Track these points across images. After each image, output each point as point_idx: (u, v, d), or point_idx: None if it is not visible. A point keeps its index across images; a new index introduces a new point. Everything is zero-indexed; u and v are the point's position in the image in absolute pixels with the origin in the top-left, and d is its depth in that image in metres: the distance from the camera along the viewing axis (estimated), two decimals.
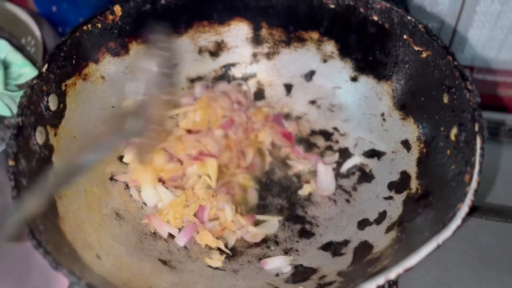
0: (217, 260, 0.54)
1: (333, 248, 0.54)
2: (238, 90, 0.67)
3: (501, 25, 0.66)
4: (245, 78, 0.69)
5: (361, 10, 0.59)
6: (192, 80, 0.67)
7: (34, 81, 0.49)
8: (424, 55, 0.55)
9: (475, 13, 0.66)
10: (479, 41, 0.69)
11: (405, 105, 0.58)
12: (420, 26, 0.54)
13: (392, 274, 0.38)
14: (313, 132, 0.66)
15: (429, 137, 0.54)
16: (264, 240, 0.56)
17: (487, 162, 0.45)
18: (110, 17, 0.58)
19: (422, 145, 0.55)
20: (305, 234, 0.57)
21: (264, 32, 0.66)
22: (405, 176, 0.56)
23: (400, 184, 0.56)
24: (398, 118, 0.59)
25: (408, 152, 0.57)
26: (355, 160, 0.62)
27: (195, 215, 0.56)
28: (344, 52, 0.63)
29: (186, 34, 0.65)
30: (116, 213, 0.55)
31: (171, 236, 0.56)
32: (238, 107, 0.64)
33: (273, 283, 0.51)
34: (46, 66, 0.51)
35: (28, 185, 0.44)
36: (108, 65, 0.60)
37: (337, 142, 0.64)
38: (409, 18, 0.55)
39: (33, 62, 0.51)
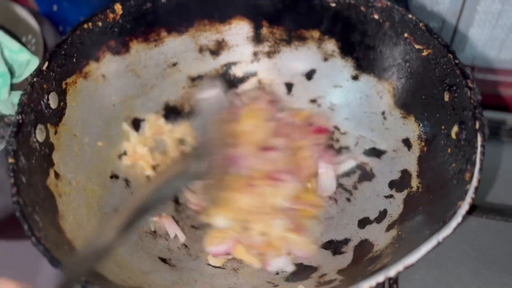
0: (218, 259, 0.54)
1: (334, 247, 0.54)
2: (266, 92, 0.67)
3: (502, 24, 0.66)
4: (246, 77, 0.68)
5: (362, 8, 0.59)
6: (193, 79, 0.67)
7: (35, 79, 0.49)
8: (425, 53, 0.55)
9: (476, 12, 0.66)
10: (480, 40, 0.69)
11: (406, 104, 0.58)
12: (421, 24, 0.54)
13: (391, 272, 0.38)
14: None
15: (430, 136, 0.54)
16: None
17: (488, 161, 0.45)
18: (111, 15, 0.58)
19: (423, 144, 0.55)
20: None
21: (265, 30, 0.66)
22: (405, 174, 0.55)
23: (400, 183, 0.55)
24: (399, 117, 0.59)
25: (409, 150, 0.57)
26: (351, 163, 0.61)
27: None
28: (345, 50, 0.63)
29: (187, 33, 0.65)
30: (116, 211, 0.55)
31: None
32: (272, 107, 0.64)
33: (273, 281, 0.51)
34: (46, 64, 0.51)
35: (27, 182, 0.44)
36: (108, 64, 0.60)
37: (337, 140, 0.64)
38: (410, 16, 0.55)
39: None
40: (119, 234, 0.38)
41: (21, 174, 0.44)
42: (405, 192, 0.54)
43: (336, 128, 0.64)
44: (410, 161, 0.56)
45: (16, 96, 0.59)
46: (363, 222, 0.55)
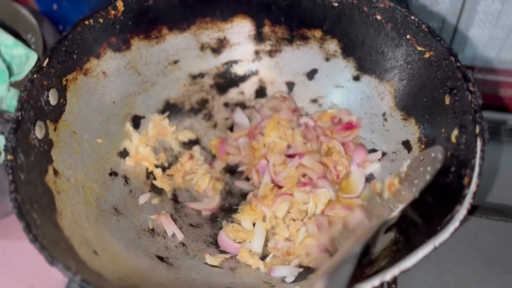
0: (216, 258, 0.54)
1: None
2: (284, 99, 0.67)
3: (501, 25, 0.66)
4: (247, 76, 0.68)
5: (365, 8, 0.59)
6: (194, 77, 0.67)
7: (35, 76, 0.49)
8: (427, 55, 0.54)
9: (476, 13, 0.65)
10: (480, 41, 0.68)
11: (407, 106, 0.58)
12: (423, 26, 0.54)
13: (387, 276, 0.37)
14: None
15: (430, 139, 0.54)
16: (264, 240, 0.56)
17: (488, 162, 0.44)
18: (112, 12, 0.58)
19: (423, 146, 0.55)
20: None
21: (267, 29, 0.66)
22: None
23: None
24: (400, 119, 0.59)
25: (408, 153, 0.56)
26: (376, 166, 0.60)
27: None
28: (347, 51, 0.63)
29: (189, 31, 0.65)
30: (115, 208, 0.55)
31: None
32: (293, 115, 0.65)
33: (270, 282, 0.51)
34: (47, 60, 0.51)
35: (26, 179, 0.44)
36: (109, 61, 0.60)
37: None
38: (412, 17, 0.55)
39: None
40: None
41: (20, 171, 0.44)
42: None
43: None
44: None
45: (15, 93, 0.59)
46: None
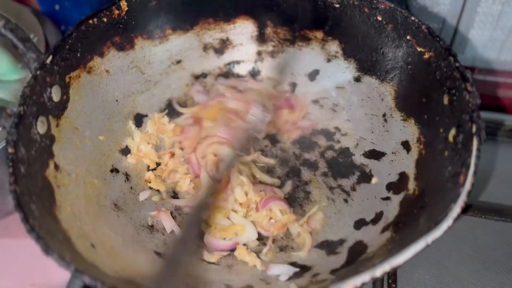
0: (213, 255, 0.54)
1: (328, 247, 0.54)
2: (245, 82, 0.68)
3: (502, 26, 0.65)
4: (249, 76, 0.69)
5: (366, 10, 0.59)
6: (197, 77, 0.68)
7: (38, 72, 0.50)
8: (426, 56, 0.54)
9: (476, 14, 0.65)
10: (480, 42, 0.68)
11: (407, 106, 0.58)
12: (423, 27, 0.54)
13: (378, 272, 0.37)
14: (315, 131, 0.65)
15: (429, 139, 0.53)
16: (261, 237, 0.57)
17: (486, 161, 0.44)
18: (116, 11, 0.59)
19: (421, 147, 0.55)
20: None
21: (269, 30, 0.66)
22: (403, 177, 0.55)
23: (398, 185, 0.55)
24: (400, 119, 0.59)
25: (408, 153, 0.56)
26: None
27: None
28: (348, 52, 0.63)
29: (192, 31, 0.66)
30: (115, 204, 0.56)
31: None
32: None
33: (266, 279, 0.51)
34: (50, 57, 0.52)
35: (26, 172, 0.45)
36: (113, 59, 0.61)
37: (338, 141, 0.64)
38: (412, 18, 0.55)
39: (38, 52, 0.52)
40: None
41: (20, 164, 0.45)
42: (402, 194, 0.54)
43: (337, 129, 0.65)
44: (408, 163, 0.56)
45: None
46: (359, 223, 0.55)
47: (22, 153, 0.46)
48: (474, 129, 0.45)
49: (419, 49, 0.55)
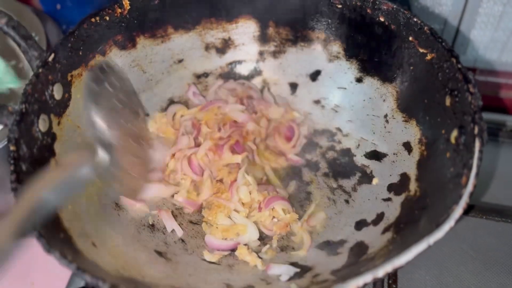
0: (214, 255, 0.54)
1: (329, 247, 0.54)
2: (246, 86, 0.68)
3: (503, 27, 0.66)
4: (251, 76, 0.69)
5: (368, 11, 0.59)
6: (198, 76, 0.68)
7: (40, 70, 0.50)
8: (428, 57, 0.54)
9: (477, 15, 0.65)
10: (482, 43, 0.68)
11: (409, 107, 0.58)
12: (425, 28, 0.54)
13: (380, 272, 0.37)
14: (316, 132, 0.65)
15: (431, 140, 0.53)
16: (262, 238, 0.57)
17: (488, 162, 0.44)
18: (119, 10, 0.59)
19: (423, 148, 0.54)
20: None
21: (271, 30, 0.66)
22: (405, 178, 0.55)
23: (399, 186, 0.55)
24: (401, 120, 0.59)
25: (409, 154, 0.56)
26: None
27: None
28: (350, 52, 0.63)
29: (194, 30, 0.66)
30: (116, 203, 0.56)
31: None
32: (248, 102, 0.65)
33: (267, 279, 0.51)
34: (52, 55, 0.52)
35: (27, 170, 0.45)
36: (114, 58, 0.61)
37: (339, 142, 0.64)
38: (415, 19, 0.55)
39: (41, 50, 0.52)
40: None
41: (22, 162, 0.45)
42: (403, 195, 0.54)
43: (339, 129, 0.65)
44: (410, 164, 0.55)
45: None
46: (360, 224, 0.55)
47: (24, 151, 0.46)
48: (476, 130, 0.44)
49: (421, 50, 0.55)
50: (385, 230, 0.51)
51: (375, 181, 0.59)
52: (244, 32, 0.67)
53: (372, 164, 0.60)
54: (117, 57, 0.61)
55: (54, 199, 0.39)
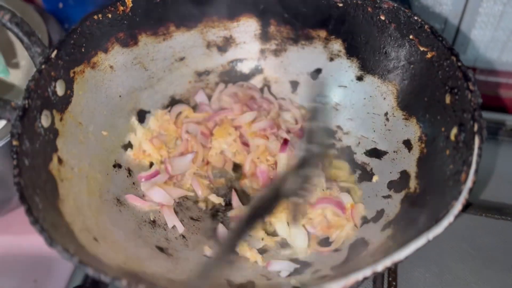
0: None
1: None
2: (246, 88, 0.68)
3: (503, 27, 0.66)
4: (252, 74, 0.69)
5: (369, 9, 0.59)
6: (200, 74, 0.68)
7: (43, 66, 0.51)
8: (429, 55, 0.55)
9: (477, 14, 0.66)
10: (482, 42, 0.69)
11: (409, 105, 0.58)
12: (426, 26, 0.55)
13: (379, 267, 0.38)
14: None
15: (430, 137, 0.54)
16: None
17: (488, 161, 0.45)
18: (121, 8, 0.60)
19: (423, 145, 0.55)
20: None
21: (272, 29, 0.67)
22: (405, 175, 0.55)
23: (399, 183, 0.56)
24: (401, 118, 0.59)
25: (409, 152, 0.57)
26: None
27: None
28: (351, 51, 0.63)
29: (196, 28, 0.66)
30: (117, 199, 0.56)
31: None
32: (251, 103, 0.65)
33: (267, 275, 0.51)
34: (55, 52, 0.52)
35: (30, 165, 0.45)
36: (117, 55, 0.61)
37: (340, 140, 0.64)
38: (415, 18, 0.55)
39: (43, 46, 0.52)
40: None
41: (24, 157, 0.45)
42: (403, 192, 0.54)
43: (339, 128, 0.65)
44: (410, 162, 0.56)
45: None
46: (360, 221, 0.55)
47: (26, 146, 0.46)
48: (476, 127, 0.45)
49: (421, 48, 0.55)
50: (385, 227, 0.52)
51: (375, 178, 0.59)
52: (246, 30, 0.68)
53: (372, 162, 0.61)
54: (119, 54, 0.61)
55: None
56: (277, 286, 0.50)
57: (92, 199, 0.53)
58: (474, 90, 0.47)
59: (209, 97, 0.68)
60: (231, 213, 0.59)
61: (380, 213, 0.54)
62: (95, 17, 0.57)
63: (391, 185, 0.56)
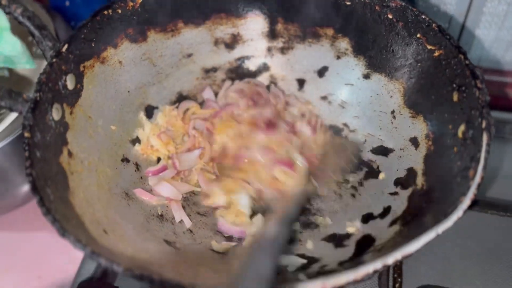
0: (222, 246, 0.55)
1: (336, 240, 0.55)
2: (252, 84, 0.68)
3: (508, 26, 0.66)
4: (259, 71, 0.70)
5: (377, 8, 0.60)
6: (207, 71, 0.68)
7: (54, 60, 0.51)
8: (436, 54, 0.55)
9: (482, 14, 0.66)
10: (486, 42, 0.69)
11: (416, 103, 0.59)
12: (433, 25, 0.55)
13: (389, 259, 0.38)
14: (323, 128, 0.66)
15: (437, 135, 0.54)
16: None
17: (494, 159, 0.45)
18: (131, 3, 0.60)
19: (430, 143, 0.55)
20: (309, 225, 0.57)
21: (280, 26, 0.67)
22: (411, 172, 0.56)
23: (406, 180, 0.56)
24: (408, 116, 0.59)
25: (416, 149, 0.57)
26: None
27: None
28: (358, 49, 0.64)
29: (204, 25, 0.66)
30: (126, 193, 0.56)
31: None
32: (257, 98, 0.66)
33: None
34: (66, 46, 0.53)
35: (41, 157, 0.46)
36: (126, 51, 0.61)
37: (346, 138, 0.64)
38: (423, 17, 0.56)
39: (54, 40, 0.53)
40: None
41: (36, 149, 0.45)
42: (410, 189, 0.54)
43: (346, 125, 0.65)
44: (416, 159, 0.56)
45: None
46: (367, 218, 0.56)
47: (38, 138, 0.46)
48: (484, 124, 0.45)
49: (429, 47, 0.56)
50: (392, 223, 0.52)
51: (381, 175, 0.59)
52: (253, 28, 0.68)
53: (378, 159, 0.61)
54: (128, 50, 0.61)
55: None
56: (285, 280, 0.50)
57: (101, 192, 0.53)
58: (482, 88, 0.48)
59: (216, 94, 0.69)
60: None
61: (387, 210, 0.55)
62: (105, 12, 0.58)
63: (398, 182, 0.57)
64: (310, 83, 0.68)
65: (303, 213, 0.58)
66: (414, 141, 0.58)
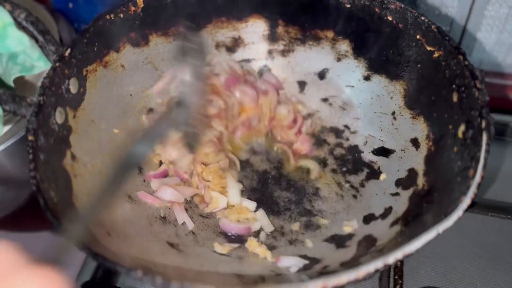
0: (224, 247, 0.55)
1: (338, 241, 0.55)
2: (245, 70, 0.69)
3: (509, 29, 0.67)
4: (260, 74, 0.70)
5: (376, 10, 0.60)
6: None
7: (57, 64, 0.52)
8: (436, 55, 0.55)
9: (483, 17, 0.67)
10: (487, 45, 0.70)
11: (416, 104, 0.59)
12: (433, 26, 0.55)
13: (390, 259, 0.38)
14: (324, 129, 0.66)
15: (438, 135, 0.54)
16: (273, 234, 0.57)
17: (494, 161, 0.45)
18: (133, 8, 0.61)
19: (430, 143, 0.56)
20: (311, 226, 0.57)
21: (280, 29, 0.68)
22: (412, 173, 0.56)
23: (407, 181, 0.56)
24: (409, 117, 0.60)
25: (416, 150, 0.57)
26: None
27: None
28: (358, 51, 0.64)
29: (205, 29, 0.67)
30: (129, 196, 0.57)
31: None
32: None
33: (276, 271, 0.52)
34: (69, 50, 0.53)
35: (45, 160, 0.46)
36: (128, 55, 0.62)
37: (347, 139, 0.65)
38: (422, 18, 0.56)
39: (57, 45, 0.53)
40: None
41: (39, 152, 0.46)
42: (411, 190, 0.55)
43: (346, 127, 0.66)
44: (417, 160, 0.56)
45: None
46: (368, 218, 0.56)
47: (41, 141, 0.47)
48: (483, 124, 0.46)
49: (428, 48, 0.56)
50: (393, 223, 0.52)
51: (382, 176, 0.60)
52: (254, 31, 0.69)
53: (379, 160, 0.61)
54: (130, 54, 0.62)
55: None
56: (287, 280, 0.50)
57: None
58: (481, 88, 0.48)
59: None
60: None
61: (388, 210, 0.55)
62: (108, 16, 0.58)
63: (399, 182, 0.57)
64: (311, 85, 0.69)
65: (305, 214, 0.59)
66: (415, 142, 0.58)
